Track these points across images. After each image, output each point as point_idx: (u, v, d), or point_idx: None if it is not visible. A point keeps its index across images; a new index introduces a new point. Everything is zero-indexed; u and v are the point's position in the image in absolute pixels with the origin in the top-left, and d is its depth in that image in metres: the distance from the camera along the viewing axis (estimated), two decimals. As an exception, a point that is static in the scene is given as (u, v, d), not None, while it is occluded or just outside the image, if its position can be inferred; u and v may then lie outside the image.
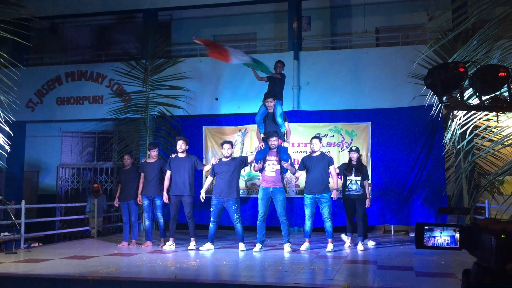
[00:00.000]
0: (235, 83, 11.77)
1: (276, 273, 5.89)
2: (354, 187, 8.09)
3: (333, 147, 10.53)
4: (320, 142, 8.19)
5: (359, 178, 8.10)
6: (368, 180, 8.27)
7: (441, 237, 1.41)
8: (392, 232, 10.73)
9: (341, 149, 10.50)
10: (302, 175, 8.31)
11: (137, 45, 12.63)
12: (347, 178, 8.17)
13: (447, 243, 1.40)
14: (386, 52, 11.42)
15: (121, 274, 5.76)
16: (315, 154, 8.04)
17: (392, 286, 5.29)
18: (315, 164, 7.92)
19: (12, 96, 7.37)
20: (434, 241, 1.42)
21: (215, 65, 11.86)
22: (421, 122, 9.97)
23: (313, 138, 8.22)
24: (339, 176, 8.43)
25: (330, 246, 7.79)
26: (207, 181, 8.32)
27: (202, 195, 8.10)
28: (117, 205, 9.01)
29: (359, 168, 8.17)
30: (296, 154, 10.26)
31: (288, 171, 8.14)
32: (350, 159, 8.31)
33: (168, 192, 8.30)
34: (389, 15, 12.88)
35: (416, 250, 6.91)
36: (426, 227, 1.42)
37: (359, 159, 8.32)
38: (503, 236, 1.23)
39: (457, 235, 1.39)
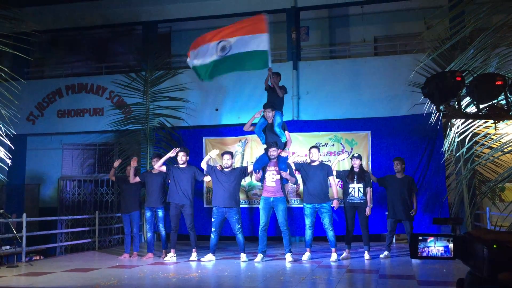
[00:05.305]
0: (235, 93, 11.82)
1: (278, 284, 5.89)
2: (356, 194, 7.98)
3: (334, 156, 10.52)
4: (319, 152, 8.17)
5: (361, 186, 7.98)
6: (371, 187, 8.17)
7: (435, 247, 1.42)
8: (394, 241, 10.67)
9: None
10: (301, 184, 8.25)
11: (137, 57, 12.69)
12: (349, 185, 8.05)
13: (441, 253, 1.42)
14: (384, 61, 11.46)
15: (122, 286, 5.76)
16: (314, 164, 8.03)
17: (394, 295, 5.29)
18: (314, 174, 7.88)
19: (13, 110, 7.39)
20: (428, 251, 1.43)
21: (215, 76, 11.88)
22: (420, 130, 9.97)
23: (311, 147, 8.17)
24: (340, 184, 8.36)
25: (334, 256, 7.74)
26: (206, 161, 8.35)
27: (203, 163, 8.23)
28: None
29: (361, 175, 8.05)
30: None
31: (289, 181, 8.13)
32: (352, 166, 8.28)
33: (167, 200, 8.27)
34: (387, 24, 12.96)
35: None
36: (420, 237, 1.44)
37: (361, 166, 8.22)
38: (495, 246, 1.24)
39: (451, 245, 1.41)
